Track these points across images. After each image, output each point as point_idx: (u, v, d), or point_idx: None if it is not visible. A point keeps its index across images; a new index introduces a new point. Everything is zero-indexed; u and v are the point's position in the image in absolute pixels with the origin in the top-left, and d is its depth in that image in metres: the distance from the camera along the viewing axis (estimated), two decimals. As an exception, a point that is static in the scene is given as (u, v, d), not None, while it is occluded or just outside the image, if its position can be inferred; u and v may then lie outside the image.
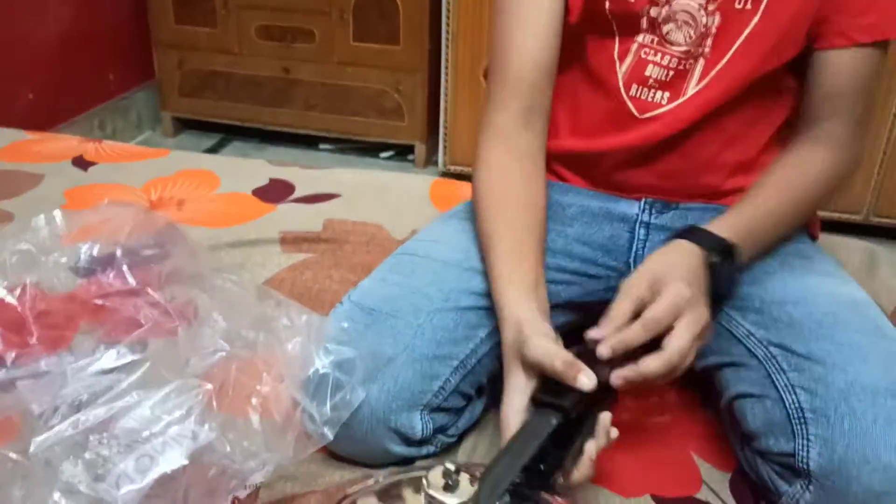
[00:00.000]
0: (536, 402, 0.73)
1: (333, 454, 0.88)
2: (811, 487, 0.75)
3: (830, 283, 0.91)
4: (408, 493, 0.64)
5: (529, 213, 0.90)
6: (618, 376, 0.76)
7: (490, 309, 0.91)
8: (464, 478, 0.53)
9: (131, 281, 0.83)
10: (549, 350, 0.74)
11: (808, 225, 1.02)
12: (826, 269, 0.95)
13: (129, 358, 0.73)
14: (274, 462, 0.75)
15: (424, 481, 0.53)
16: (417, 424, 0.84)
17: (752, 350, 0.86)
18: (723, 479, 0.88)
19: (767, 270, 0.93)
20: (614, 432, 0.75)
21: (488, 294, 0.91)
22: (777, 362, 0.82)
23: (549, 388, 0.74)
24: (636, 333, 0.75)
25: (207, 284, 0.95)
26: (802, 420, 0.77)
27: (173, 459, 0.67)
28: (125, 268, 0.87)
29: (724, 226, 0.88)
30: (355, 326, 0.86)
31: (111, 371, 0.73)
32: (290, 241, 1.26)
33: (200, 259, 1.06)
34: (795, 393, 0.79)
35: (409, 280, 0.91)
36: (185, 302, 0.94)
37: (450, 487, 0.53)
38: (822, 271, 0.94)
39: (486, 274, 0.90)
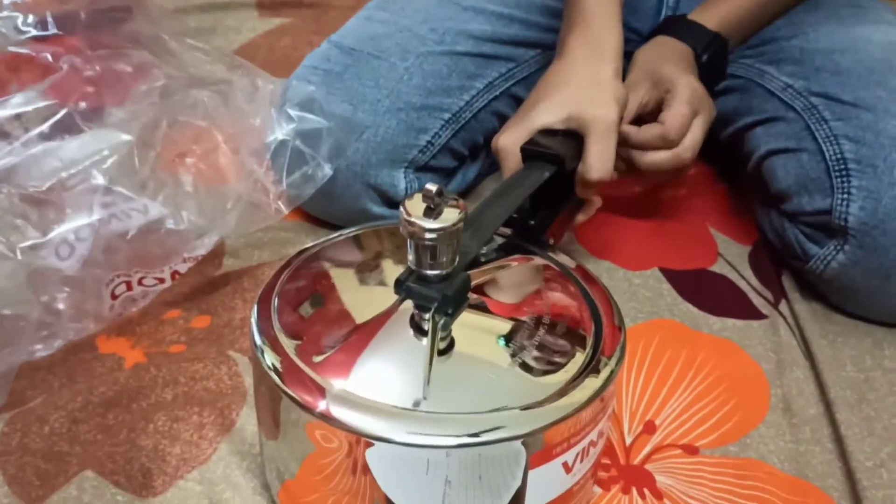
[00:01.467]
0: (528, 154, 0.63)
1: (310, 218, 0.79)
2: (847, 246, 0.67)
3: (886, 30, 0.78)
4: (377, 243, 0.56)
5: None
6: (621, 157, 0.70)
7: (491, 57, 0.80)
8: (448, 207, 0.44)
9: (52, 28, 0.71)
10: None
11: None
12: (882, 17, 0.82)
13: (41, 103, 0.62)
14: (215, 234, 0.66)
15: (402, 209, 0.44)
16: (400, 183, 0.75)
17: (790, 102, 0.75)
18: (741, 252, 0.80)
19: (810, 21, 0.81)
20: (598, 201, 0.69)
21: (489, 39, 0.79)
22: (818, 112, 0.71)
23: (542, 138, 0.64)
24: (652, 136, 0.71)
25: (164, 49, 0.83)
26: (844, 172, 0.67)
27: (83, 214, 0.58)
28: (50, 18, 0.74)
29: (714, 12, 0.78)
30: (332, 68, 0.75)
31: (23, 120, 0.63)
32: (268, 4, 1.14)
33: (160, 22, 0.94)
34: (838, 143, 0.68)
35: (398, 18, 0.79)
36: (133, 63, 0.83)
37: (430, 212, 0.43)
38: (876, 20, 0.81)
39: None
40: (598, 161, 0.62)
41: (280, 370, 0.44)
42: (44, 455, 0.56)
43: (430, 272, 0.45)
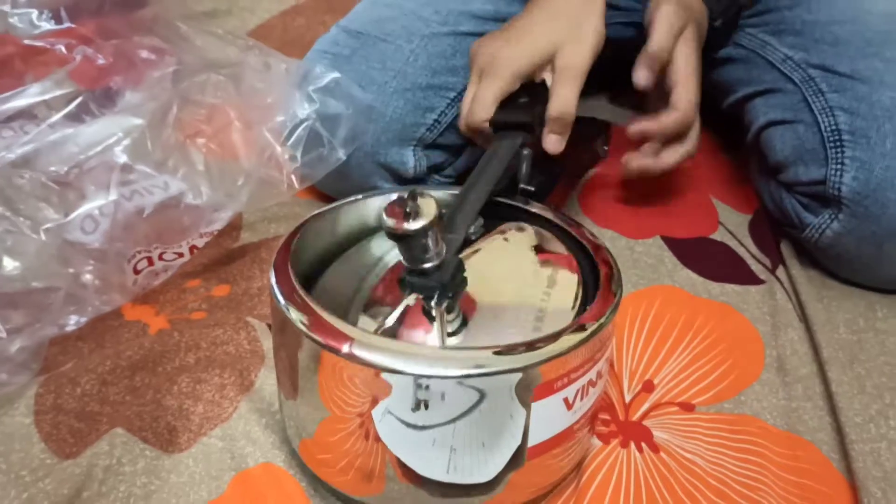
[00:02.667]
0: (498, 125, 0.66)
1: (322, 195, 0.82)
2: (840, 216, 0.69)
3: (887, 1, 0.79)
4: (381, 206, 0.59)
5: None
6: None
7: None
8: (426, 201, 0.47)
9: (66, 21, 0.74)
10: None
11: None
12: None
13: (57, 92, 0.65)
14: (229, 209, 0.69)
15: (383, 217, 0.47)
16: (409, 160, 0.77)
17: (788, 74, 0.76)
18: (742, 220, 0.82)
19: None
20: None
21: (492, 18, 0.82)
22: (815, 84, 0.73)
23: (510, 104, 0.67)
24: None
25: (176, 34, 0.86)
26: (839, 143, 0.69)
27: (103, 192, 0.61)
28: (63, 12, 0.77)
29: None
30: (340, 52, 0.78)
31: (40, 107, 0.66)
32: (282, -15, 1.15)
33: (172, 8, 0.97)
34: (833, 115, 0.71)
35: (402, 1, 0.81)
36: (146, 49, 0.86)
37: (408, 216, 0.47)
38: None
39: None
40: (560, 101, 0.65)
41: (306, 323, 0.47)
42: (76, 414, 0.60)
43: (425, 266, 0.48)
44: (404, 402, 0.45)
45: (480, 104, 0.67)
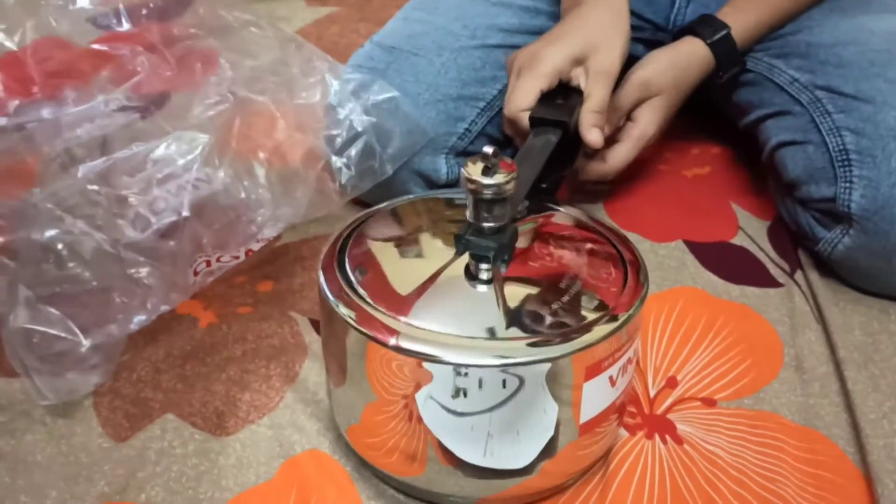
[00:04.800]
0: (536, 121, 0.70)
1: (359, 200, 0.86)
2: (851, 231, 0.72)
3: (889, 20, 0.82)
4: (420, 210, 0.62)
5: None
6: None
7: (519, 47, 0.85)
8: (506, 163, 0.51)
9: (125, 25, 0.77)
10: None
11: None
12: (885, 5, 0.85)
13: (124, 103, 0.69)
14: (286, 218, 0.73)
15: (463, 171, 0.51)
16: (442, 168, 0.81)
17: (796, 96, 0.79)
18: (761, 226, 0.85)
19: (814, 15, 0.85)
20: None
21: (518, 31, 0.85)
22: (822, 105, 0.76)
23: (546, 103, 0.72)
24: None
25: (226, 30, 0.90)
26: (847, 162, 0.72)
27: (173, 210, 0.65)
28: (123, 15, 0.81)
29: (749, 17, 0.83)
30: (375, 66, 0.81)
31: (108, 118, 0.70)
32: (315, -6, 1.20)
33: (224, 9, 1.00)
34: (840, 135, 0.73)
35: (432, 17, 0.85)
36: (201, 53, 0.90)
37: (487, 171, 0.50)
38: (879, 9, 0.84)
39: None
40: (596, 100, 0.71)
41: (354, 318, 0.50)
42: (131, 400, 0.64)
43: (486, 225, 0.52)
44: (449, 390, 0.49)
45: (522, 93, 0.72)
